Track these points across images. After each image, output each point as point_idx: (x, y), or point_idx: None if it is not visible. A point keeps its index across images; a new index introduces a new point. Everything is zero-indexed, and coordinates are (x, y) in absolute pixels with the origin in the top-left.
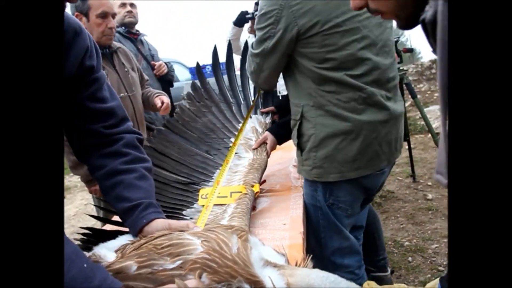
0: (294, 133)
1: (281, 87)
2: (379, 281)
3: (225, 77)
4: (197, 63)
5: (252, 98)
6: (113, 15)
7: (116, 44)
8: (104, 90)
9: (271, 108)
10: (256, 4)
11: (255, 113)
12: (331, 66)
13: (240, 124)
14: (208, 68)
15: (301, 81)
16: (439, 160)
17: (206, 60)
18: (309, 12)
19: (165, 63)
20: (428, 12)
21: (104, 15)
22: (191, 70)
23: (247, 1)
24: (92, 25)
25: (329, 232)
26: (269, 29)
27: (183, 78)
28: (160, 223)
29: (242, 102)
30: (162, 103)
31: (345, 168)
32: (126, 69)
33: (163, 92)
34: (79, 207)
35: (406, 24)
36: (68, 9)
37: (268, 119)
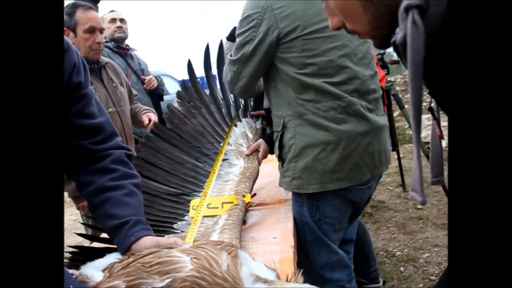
0: (276, 144)
1: None
2: None
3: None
4: (189, 61)
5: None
6: (101, 30)
7: (104, 59)
8: (92, 106)
9: (262, 112)
10: None
11: (245, 116)
12: (311, 71)
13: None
14: (199, 81)
15: (282, 90)
16: (413, 178)
17: (196, 72)
18: (290, 16)
19: (155, 77)
20: (398, 35)
21: (91, 30)
22: (180, 83)
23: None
24: (80, 40)
25: (317, 246)
26: (250, 32)
27: (172, 91)
28: (148, 241)
29: (232, 104)
30: (150, 120)
31: (325, 179)
32: (114, 84)
33: (151, 109)
34: (67, 223)
35: (381, 44)
36: None
37: (258, 124)
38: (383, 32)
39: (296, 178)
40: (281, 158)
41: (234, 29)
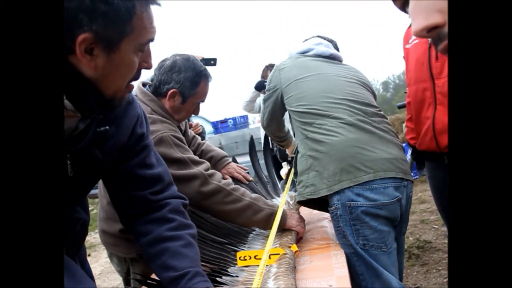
0: (293, 168)
1: None
2: None
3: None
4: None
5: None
6: None
7: None
8: (152, 157)
9: None
10: (268, 68)
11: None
12: (304, 103)
13: (274, 199)
14: (230, 122)
15: (294, 124)
16: None
17: (227, 114)
18: (288, 74)
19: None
20: None
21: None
22: (213, 124)
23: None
24: (185, 108)
25: (369, 278)
26: (269, 85)
27: (207, 132)
28: None
29: (278, 182)
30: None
31: (331, 182)
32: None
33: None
34: (104, 266)
35: None
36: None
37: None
38: None
39: (309, 186)
40: (296, 176)
41: (260, 81)
